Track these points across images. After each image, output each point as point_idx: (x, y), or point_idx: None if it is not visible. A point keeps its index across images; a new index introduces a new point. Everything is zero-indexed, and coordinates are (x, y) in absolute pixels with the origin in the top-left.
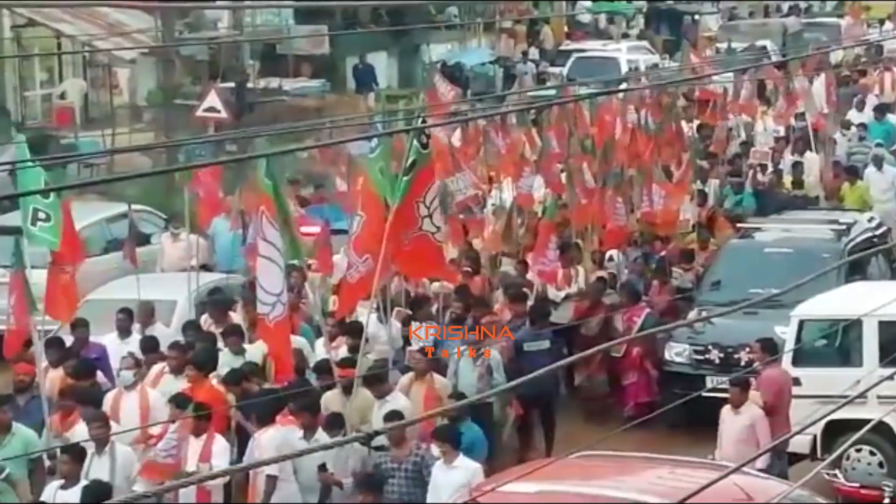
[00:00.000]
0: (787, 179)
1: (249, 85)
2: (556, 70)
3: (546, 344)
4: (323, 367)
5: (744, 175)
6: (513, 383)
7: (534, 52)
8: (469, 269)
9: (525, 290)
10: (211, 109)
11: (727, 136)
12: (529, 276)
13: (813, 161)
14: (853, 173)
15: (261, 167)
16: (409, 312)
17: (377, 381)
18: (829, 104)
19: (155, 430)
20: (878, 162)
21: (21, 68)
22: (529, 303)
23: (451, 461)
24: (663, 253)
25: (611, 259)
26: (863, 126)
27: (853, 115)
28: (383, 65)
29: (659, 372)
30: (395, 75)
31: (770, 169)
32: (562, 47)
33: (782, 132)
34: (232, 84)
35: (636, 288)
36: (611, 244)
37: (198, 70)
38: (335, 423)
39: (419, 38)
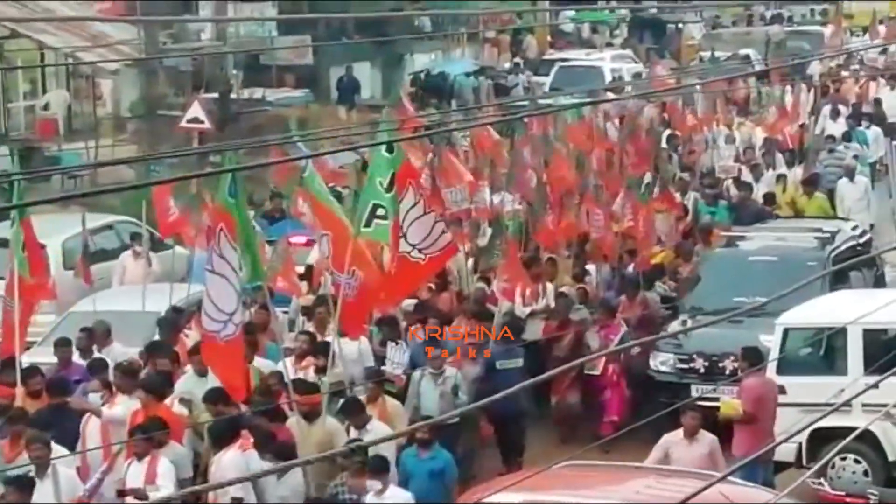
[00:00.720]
0: (768, 192)
1: (233, 95)
2: (540, 79)
3: (519, 362)
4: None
5: (720, 187)
6: (480, 402)
7: (517, 62)
8: (433, 286)
9: (487, 307)
10: (195, 120)
11: (700, 148)
12: (496, 293)
13: (794, 173)
14: (811, 185)
15: (223, 184)
16: (373, 329)
17: (356, 411)
18: (794, 115)
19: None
20: (851, 174)
21: (4, 80)
22: (494, 321)
23: (381, 493)
24: (632, 266)
25: (587, 273)
26: (832, 138)
27: (828, 126)
28: (367, 75)
29: (634, 391)
30: (378, 86)
31: (750, 179)
32: (545, 56)
33: (759, 143)
34: (215, 95)
35: (611, 304)
36: (597, 258)
37: (181, 81)
38: (291, 455)
39: (402, 48)
